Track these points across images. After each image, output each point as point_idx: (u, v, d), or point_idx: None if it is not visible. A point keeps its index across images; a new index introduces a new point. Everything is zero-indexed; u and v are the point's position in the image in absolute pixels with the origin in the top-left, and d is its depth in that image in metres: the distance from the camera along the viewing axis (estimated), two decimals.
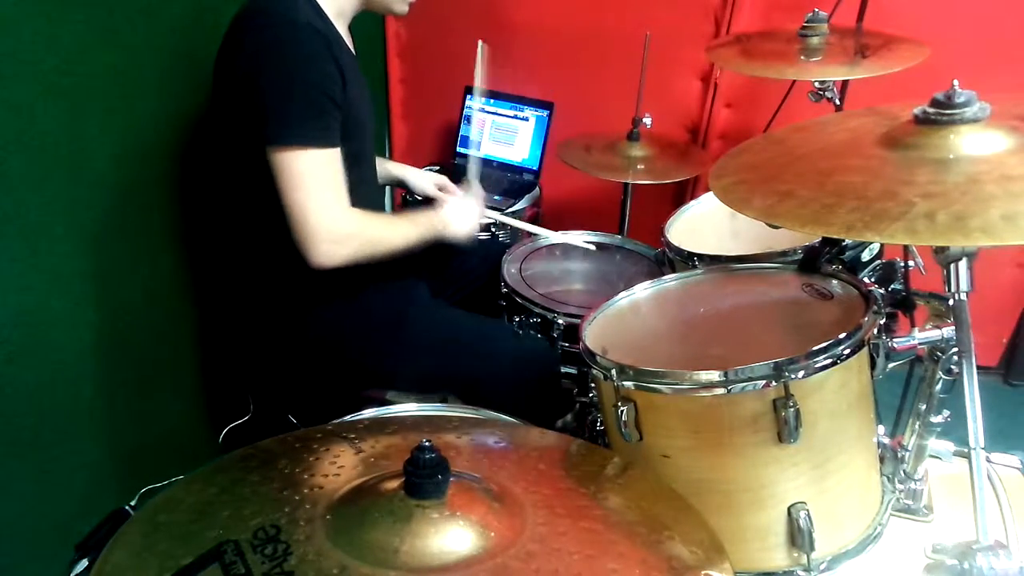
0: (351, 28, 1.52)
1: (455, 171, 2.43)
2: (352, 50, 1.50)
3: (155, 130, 1.57)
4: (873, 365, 1.09)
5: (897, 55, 1.49)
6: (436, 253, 1.72)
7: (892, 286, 1.24)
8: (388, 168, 1.81)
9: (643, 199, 2.17)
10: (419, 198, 1.88)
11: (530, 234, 1.92)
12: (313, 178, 1.31)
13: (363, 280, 1.48)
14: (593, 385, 1.28)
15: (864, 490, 1.14)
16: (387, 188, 1.97)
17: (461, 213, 1.60)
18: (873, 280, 1.25)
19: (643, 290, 1.35)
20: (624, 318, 1.31)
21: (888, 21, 1.74)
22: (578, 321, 1.40)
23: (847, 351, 1.03)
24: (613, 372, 1.09)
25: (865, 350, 1.07)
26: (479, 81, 1.77)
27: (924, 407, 1.12)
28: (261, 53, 1.31)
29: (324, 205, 1.32)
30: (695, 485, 1.07)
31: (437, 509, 0.73)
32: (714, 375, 1.02)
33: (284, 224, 1.33)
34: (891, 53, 1.51)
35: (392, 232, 1.45)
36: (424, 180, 1.85)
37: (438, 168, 2.44)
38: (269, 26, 1.32)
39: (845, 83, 1.76)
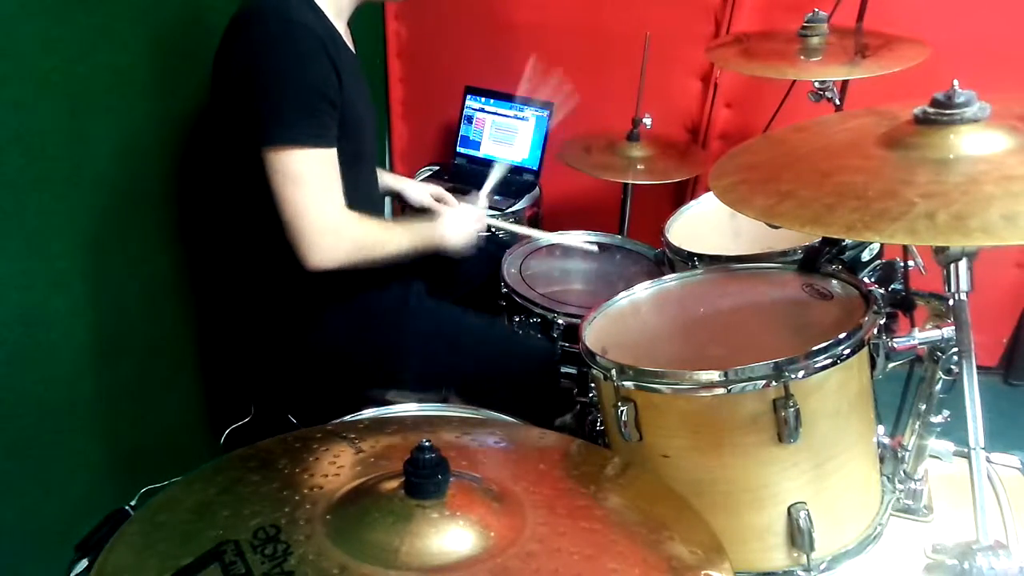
0: (352, 28, 1.52)
1: (455, 171, 2.45)
2: (352, 49, 1.49)
3: (155, 130, 1.57)
4: (873, 365, 1.09)
5: (897, 55, 1.49)
6: (437, 254, 1.72)
7: (892, 286, 1.24)
8: (384, 179, 1.81)
9: (643, 199, 2.17)
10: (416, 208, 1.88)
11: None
12: (307, 178, 1.31)
13: (362, 280, 1.48)
14: (593, 385, 1.28)
15: (864, 490, 1.14)
16: (386, 198, 1.98)
17: (458, 225, 1.60)
18: (873, 280, 1.25)
19: (643, 290, 1.35)
20: (624, 318, 1.31)
21: (888, 21, 1.74)
22: (578, 321, 1.40)
23: (847, 351, 1.03)
24: (613, 372, 1.09)
25: (865, 350, 1.07)
26: (523, 91, 1.76)
27: (924, 407, 1.12)
28: (256, 53, 1.31)
29: (319, 205, 1.32)
30: (695, 485, 1.07)
31: (437, 509, 0.73)
32: (714, 375, 1.02)
33: (282, 224, 1.33)
34: (891, 53, 1.51)
35: (388, 238, 1.45)
36: (420, 191, 1.84)
37: (438, 168, 2.46)
38: (264, 25, 1.32)
39: (845, 83, 1.76)
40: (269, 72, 1.30)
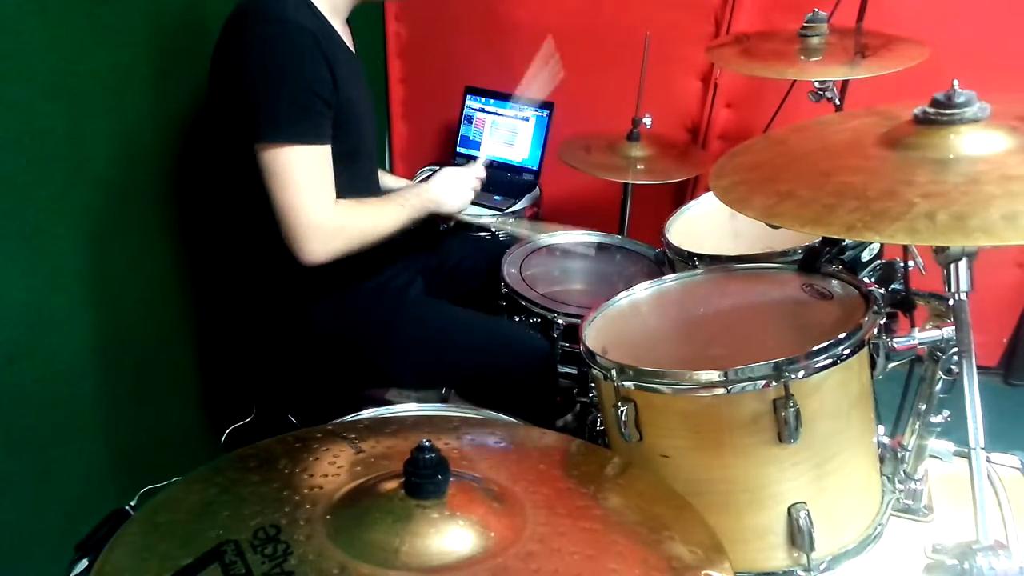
0: (352, 27, 1.52)
1: None
2: (351, 47, 1.49)
3: (155, 130, 1.57)
4: (873, 365, 1.09)
5: (897, 55, 1.49)
6: (435, 252, 1.72)
7: (892, 286, 1.24)
8: (384, 180, 1.81)
9: (643, 199, 2.17)
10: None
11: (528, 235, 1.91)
12: (299, 175, 1.31)
13: (360, 278, 1.48)
14: (593, 385, 1.28)
15: (864, 490, 1.14)
16: None
17: (451, 183, 1.60)
18: (873, 280, 1.25)
19: (643, 290, 1.35)
20: (624, 318, 1.31)
21: (888, 21, 1.74)
22: (578, 321, 1.40)
23: (847, 351, 1.03)
24: (613, 372, 1.09)
25: (865, 350, 1.07)
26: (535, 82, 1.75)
27: (924, 407, 1.12)
28: (249, 51, 1.31)
29: (310, 202, 1.33)
30: (695, 485, 1.06)
31: (437, 509, 0.73)
32: (714, 375, 1.02)
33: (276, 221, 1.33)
34: (891, 53, 1.51)
35: (381, 218, 1.45)
36: None
37: (438, 168, 2.45)
38: (258, 24, 1.32)
39: (845, 83, 1.76)
40: (262, 70, 1.30)
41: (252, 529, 0.73)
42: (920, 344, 1.05)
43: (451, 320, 1.59)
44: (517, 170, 2.44)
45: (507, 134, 2.45)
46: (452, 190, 1.60)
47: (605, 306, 1.32)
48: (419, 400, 1.38)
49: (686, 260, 1.52)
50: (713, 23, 2.24)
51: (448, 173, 1.65)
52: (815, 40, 1.59)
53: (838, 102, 1.70)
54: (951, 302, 0.93)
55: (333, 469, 0.85)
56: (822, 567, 1.09)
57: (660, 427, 1.09)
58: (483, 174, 1.72)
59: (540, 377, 1.56)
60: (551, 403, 1.62)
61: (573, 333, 1.57)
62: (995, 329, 2.32)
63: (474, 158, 2.44)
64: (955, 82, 0.90)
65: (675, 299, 1.34)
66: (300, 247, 1.33)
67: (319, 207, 1.33)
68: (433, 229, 1.79)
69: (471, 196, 1.66)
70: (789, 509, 1.06)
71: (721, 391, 1.03)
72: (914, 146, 0.91)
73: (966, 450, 0.90)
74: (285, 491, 0.80)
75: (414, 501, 0.74)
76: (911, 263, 1.26)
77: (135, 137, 1.52)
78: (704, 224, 1.70)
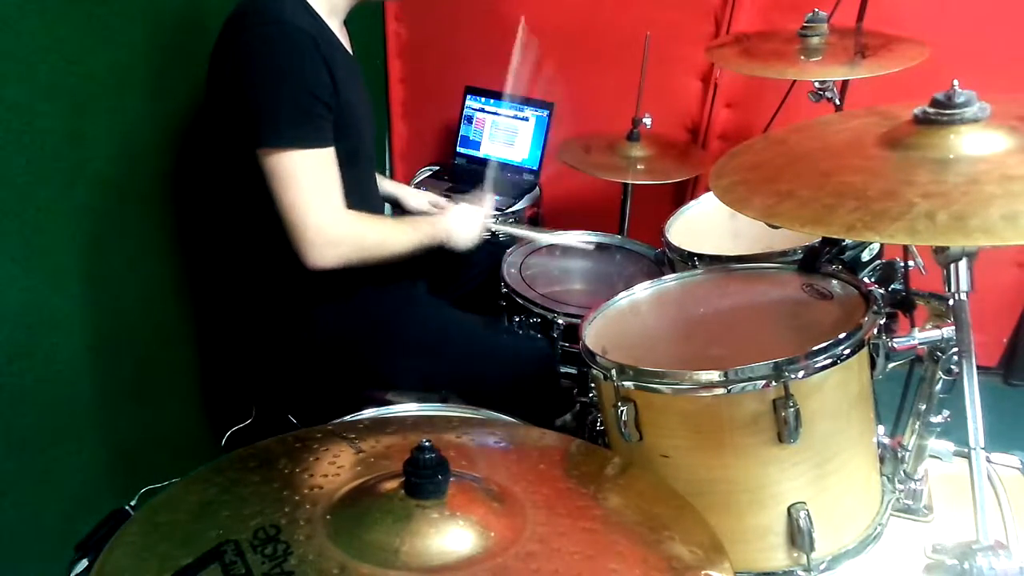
0: (349, 28, 1.52)
1: (455, 171, 2.45)
2: (349, 49, 1.49)
3: (155, 130, 1.57)
4: (873, 365, 1.09)
5: (897, 55, 1.49)
6: (435, 252, 1.72)
7: (892, 286, 1.24)
8: (383, 185, 1.81)
9: (643, 199, 2.17)
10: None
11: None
12: (304, 179, 1.31)
13: (361, 280, 1.48)
14: (593, 385, 1.28)
15: (864, 490, 1.14)
16: (385, 204, 1.99)
17: (464, 220, 1.60)
18: (873, 280, 1.25)
19: (643, 290, 1.35)
20: (624, 318, 1.31)
21: (888, 21, 1.73)
22: (578, 321, 1.40)
23: (847, 351, 1.03)
24: (613, 372, 1.09)
25: (865, 350, 1.07)
26: (515, 64, 1.74)
27: (924, 407, 1.12)
28: (249, 54, 1.31)
29: (317, 206, 1.32)
30: (695, 485, 1.07)
31: (437, 509, 0.73)
32: (714, 375, 1.02)
33: (280, 225, 1.33)
34: (891, 53, 1.51)
35: (390, 236, 1.45)
36: (418, 199, 1.86)
37: (438, 168, 2.46)
38: (256, 26, 1.32)
39: (845, 83, 1.76)
40: (262, 73, 1.30)
41: (252, 529, 0.73)
42: (920, 344, 1.05)
43: (453, 325, 1.59)
44: (517, 170, 2.44)
45: (507, 134, 2.46)
46: (465, 228, 1.60)
47: (605, 306, 1.32)
48: (419, 400, 1.38)
49: (686, 260, 1.52)
50: (713, 23, 2.24)
51: (464, 210, 1.65)
52: (815, 40, 1.59)
53: (838, 102, 1.70)
54: (951, 302, 0.93)
55: (333, 469, 0.85)
56: (822, 567, 1.09)
57: (660, 427, 1.09)
58: (492, 210, 1.72)
59: (541, 383, 1.56)
60: (551, 405, 1.62)
61: (573, 333, 1.57)
62: (995, 329, 2.32)
63: (477, 159, 2.45)
64: (955, 82, 0.90)
65: (675, 299, 1.34)
66: (306, 251, 1.33)
67: (324, 211, 1.33)
68: None
69: (479, 236, 1.65)
70: (789, 509, 1.06)
71: (721, 391, 1.03)
72: (914, 146, 0.91)
73: (966, 450, 0.90)
74: (285, 491, 0.80)
75: (414, 501, 0.74)
76: (911, 263, 1.26)
77: (135, 137, 1.52)
78: (704, 224, 1.71)
